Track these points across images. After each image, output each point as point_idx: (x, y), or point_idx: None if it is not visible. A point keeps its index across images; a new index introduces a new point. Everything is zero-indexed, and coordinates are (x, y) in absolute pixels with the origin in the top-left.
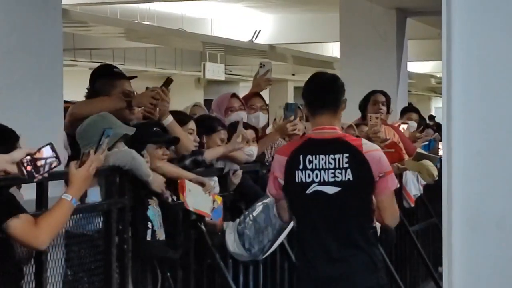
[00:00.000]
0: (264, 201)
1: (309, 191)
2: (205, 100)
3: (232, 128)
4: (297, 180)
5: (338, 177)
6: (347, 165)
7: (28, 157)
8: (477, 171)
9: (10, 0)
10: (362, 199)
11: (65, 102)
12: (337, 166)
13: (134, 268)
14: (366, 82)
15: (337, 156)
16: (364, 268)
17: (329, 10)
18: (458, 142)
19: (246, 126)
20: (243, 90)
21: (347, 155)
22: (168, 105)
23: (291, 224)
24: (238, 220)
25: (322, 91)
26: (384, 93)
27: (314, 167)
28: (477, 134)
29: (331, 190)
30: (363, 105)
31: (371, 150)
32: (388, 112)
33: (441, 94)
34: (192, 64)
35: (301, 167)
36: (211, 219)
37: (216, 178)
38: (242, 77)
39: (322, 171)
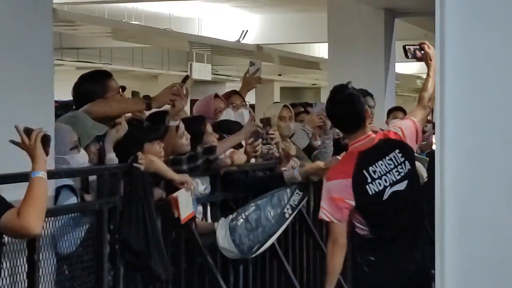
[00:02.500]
0: (257, 202)
1: (385, 196)
2: (191, 100)
3: (221, 126)
4: (370, 193)
5: (401, 172)
6: (403, 158)
7: None
8: (469, 172)
9: None
10: (419, 177)
11: None
12: (396, 163)
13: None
14: (354, 83)
15: (391, 155)
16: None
17: (317, 10)
18: (451, 143)
19: (234, 124)
20: (229, 90)
21: (397, 150)
22: (184, 104)
23: (282, 228)
24: (230, 216)
25: (346, 112)
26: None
27: (380, 175)
28: (469, 134)
29: (402, 186)
30: None
31: (406, 131)
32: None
33: None
34: (179, 64)
35: (369, 180)
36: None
37: (208, 179)
38: (228, 77)
39: (388, 174)
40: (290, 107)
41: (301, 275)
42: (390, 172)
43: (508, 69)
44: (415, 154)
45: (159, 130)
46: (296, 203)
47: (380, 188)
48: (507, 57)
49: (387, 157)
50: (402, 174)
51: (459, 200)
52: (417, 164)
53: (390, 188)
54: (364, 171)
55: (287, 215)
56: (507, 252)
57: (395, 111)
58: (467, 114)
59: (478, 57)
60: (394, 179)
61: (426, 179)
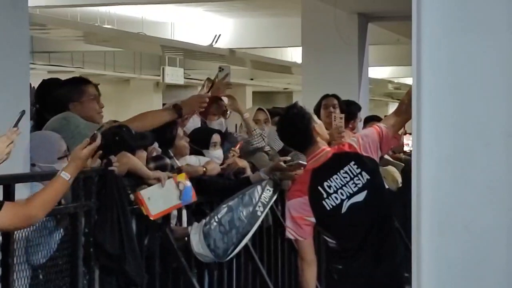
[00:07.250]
0: (229, 203)
1: (343, 210)
2: (163, 105)
3: (196, 135)
4: (328, 208)
5: (358, 184)
6: (359, 170)
7: None
8: (446, 175)
9: None
10: (384, 185)
11: None
12: (352, 175)
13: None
14: (328, 87)
15: (346, 168)
16: (404, 257)
17: (290, 14)
18: (428, 146)
19: (211, 130)
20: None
21: (353, 162)
22: None
23: (255, 227)
24: (203, 221)
25: (293, 132)
26: (336, 96)
27: (335, 189)
28: (446, 138)
29: (360, 197)
30: (317, 110)
31: (362, 143)
32: (352, 119)
33: (398, 99)
34: (151, 68)
35: (325, 196)
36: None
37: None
38: (201, 81)
39: (344, 187)
40: (265, 110)
41: (276, 277)
42: (346, 185)
43: (484, 71)
44: (389, 159)
45: (146, 139)
46: (267, 200)
47: (337, 202)
48: (484, 59)
49: (342, 171)
50: (359, 186)
51: (436, 203)
52: (392, 169)
53: (348, 200)
54: (319, 187)
55: (259, 213)
56: (484, 255)
57: (371, 121)
58: (443, 118)
59: (455, 59)
60: (351, 192)
61: (400, 185)
